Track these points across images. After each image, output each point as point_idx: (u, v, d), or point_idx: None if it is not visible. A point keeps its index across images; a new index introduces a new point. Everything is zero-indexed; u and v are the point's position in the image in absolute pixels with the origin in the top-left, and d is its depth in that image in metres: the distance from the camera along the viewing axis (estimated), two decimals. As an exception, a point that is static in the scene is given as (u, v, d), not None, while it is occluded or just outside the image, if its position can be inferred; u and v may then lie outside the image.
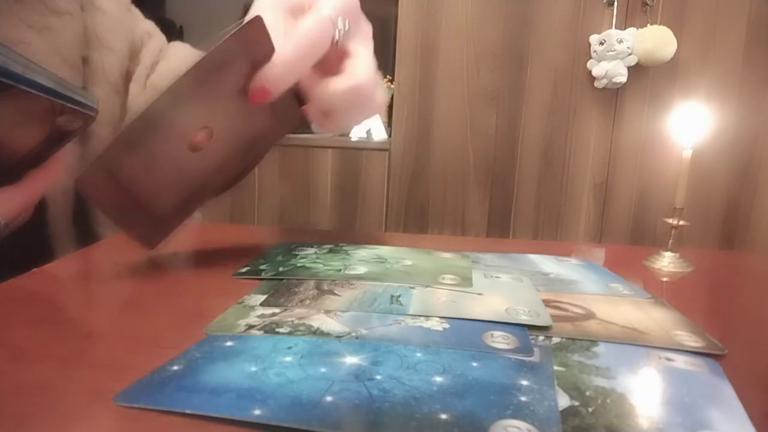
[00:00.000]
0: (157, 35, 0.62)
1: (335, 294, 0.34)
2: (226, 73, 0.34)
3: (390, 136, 1.60)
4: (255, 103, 0.35)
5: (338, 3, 0.37)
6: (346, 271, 0.38)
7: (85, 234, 0.50)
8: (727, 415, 0.22)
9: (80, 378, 0.23)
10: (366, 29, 0.39)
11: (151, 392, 0.21)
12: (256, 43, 0.34)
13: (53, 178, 0.39)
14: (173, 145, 0.36)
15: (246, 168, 0.41)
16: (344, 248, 0.45)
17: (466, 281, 0.37)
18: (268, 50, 0.34)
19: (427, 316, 0.30)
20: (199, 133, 0.36)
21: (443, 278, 0.38)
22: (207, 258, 0.45)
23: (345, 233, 0.78)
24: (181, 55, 0.62)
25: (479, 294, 0.34)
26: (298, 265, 0.40)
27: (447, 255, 0.44)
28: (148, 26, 0.61)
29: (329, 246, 0.45)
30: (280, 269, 0.39)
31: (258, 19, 0.33)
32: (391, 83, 1.69)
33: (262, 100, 0.34)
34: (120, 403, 0.21)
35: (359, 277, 0.37)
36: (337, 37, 0.36)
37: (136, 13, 0.60)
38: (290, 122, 0.41)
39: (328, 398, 0.21)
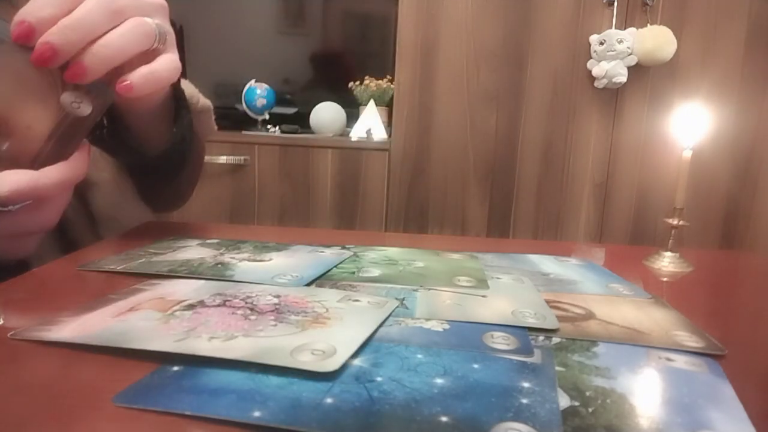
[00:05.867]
0: None
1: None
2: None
3: (390, 136, 1.60)
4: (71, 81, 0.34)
5: (159, 12, 0.40)
6: (360, 274, 0.38)
7: (64, 240, 0.49)
8: (727, 415, 0.22)
9: (80, 378, 0.23)
10: (172, 35, 0.42)
11: (151, 393, 0.21)
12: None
13: (74, 172, 0.37)
14: None
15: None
16: (352, 250, 0.45)
17: (481, 283, 0.37)
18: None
19: (431, 319, 0.30)
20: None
21: (458, 280, 0.37)
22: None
23: (345, 233, 0.78)
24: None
25: (483, 296, 0.34)
26: None
27: (456, 256, 0.44)
28: None
29: (337, 248, 0.45)
30: None
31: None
32: (391, 83, 1.69)
33: (80, 80, 0.35)
34: (120, 404, 0.21)
35: (374, 280, 0.37)
36: (155, 44, 0.39)
37: None
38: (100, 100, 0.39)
39: (328, 400, 0.21)
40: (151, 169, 0.52)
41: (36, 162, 0.35)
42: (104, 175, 0.55)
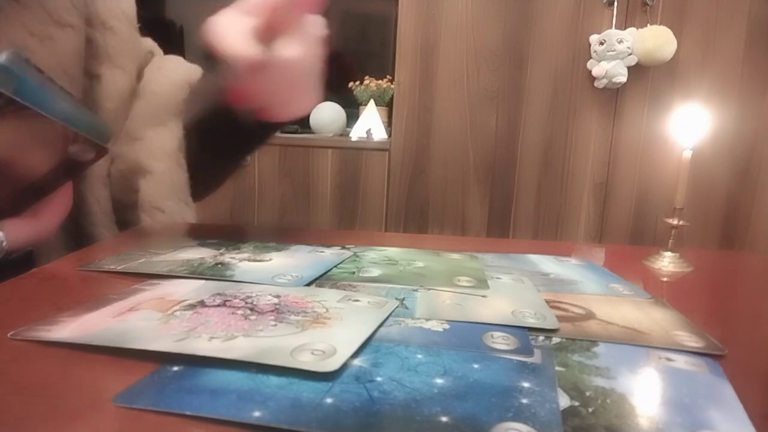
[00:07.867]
0: (157, 52, 0.66)
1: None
2: None
3: (390, 136, 1.60)
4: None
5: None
6: (360, 274, 0.38)
7: (76, 233, 0.51)
8: (727, 415, 0.22)
9: (80, 378, 0.23)
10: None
11: (151, 393, 0.21)
12: None
13: (64, 212, 0.42)
14: None
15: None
16: (352, 250, 0.45)
17: (481, 283, 0.37)
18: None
19: (431, 319, 0.30)
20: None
21: (458, 280, 0.37)
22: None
23: (345, 233, 0.78)
24: (176, 67, 0.65)
25: (483, 296, 0.34)
26: None
27: (456, 256, 0.44)
28: (150, 44, 0.65)
29: (337, 248, 0.45)
30: None
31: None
32: (391, 83, 1.69)
33: None
34: (120, 404, 0.21)
35: (374, 280, 0.37)
36: None
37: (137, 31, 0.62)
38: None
39: (328, 400, 0.21)
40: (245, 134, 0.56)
41: (31, 187, 0.40)
42: (161, 166, 0.58)
